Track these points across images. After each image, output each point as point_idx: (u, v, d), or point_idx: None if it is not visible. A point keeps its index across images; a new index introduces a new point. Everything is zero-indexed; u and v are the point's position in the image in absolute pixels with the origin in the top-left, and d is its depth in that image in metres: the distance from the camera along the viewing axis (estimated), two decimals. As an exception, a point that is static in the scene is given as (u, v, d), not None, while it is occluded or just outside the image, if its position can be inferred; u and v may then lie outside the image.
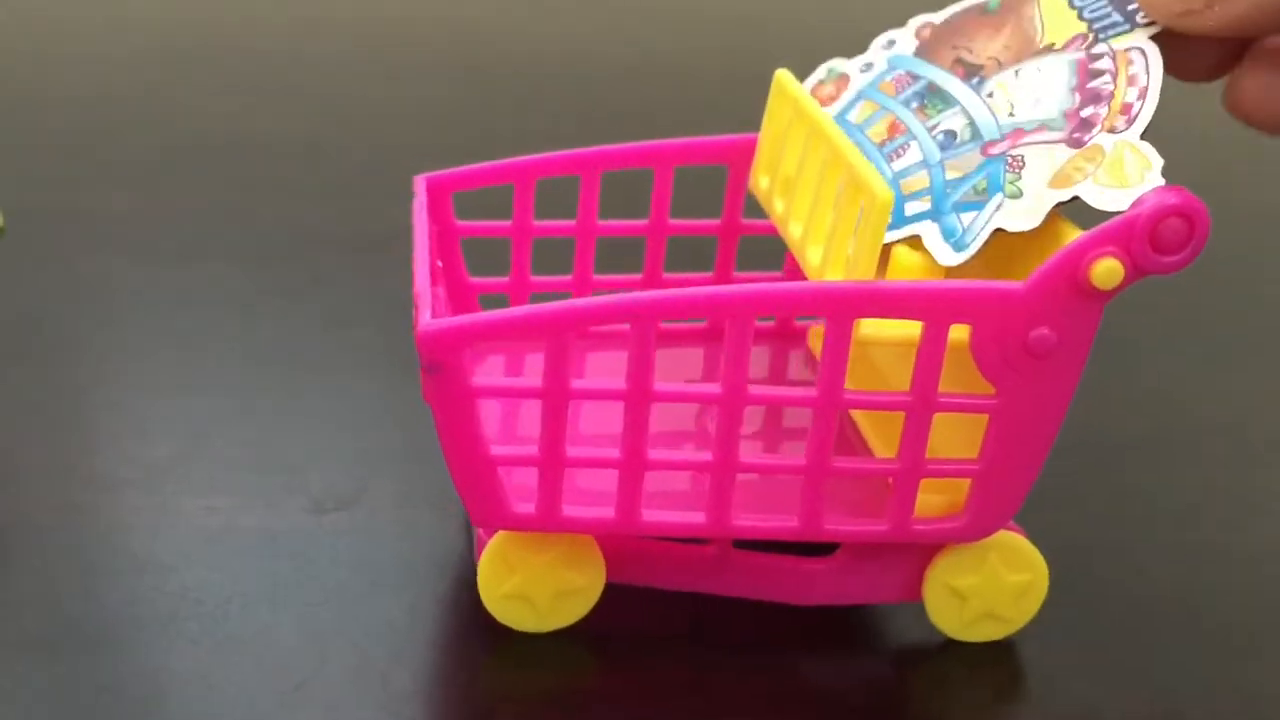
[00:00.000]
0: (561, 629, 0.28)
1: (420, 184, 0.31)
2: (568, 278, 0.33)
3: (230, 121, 0.55)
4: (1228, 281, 0.45)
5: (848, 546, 0.28)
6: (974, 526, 0.27)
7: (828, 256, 0.27)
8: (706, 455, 0.26)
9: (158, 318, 0.40)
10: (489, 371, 0.33)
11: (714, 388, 0.25)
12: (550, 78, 0.62)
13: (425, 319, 0.25)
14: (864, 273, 0.25)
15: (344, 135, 0.54)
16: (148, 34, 0.65)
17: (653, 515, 0.27)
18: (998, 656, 0.29)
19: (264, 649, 0.28)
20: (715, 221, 0.34)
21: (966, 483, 0.27)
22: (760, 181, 0.32)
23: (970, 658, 0.29)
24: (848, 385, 0.32)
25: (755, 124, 0.32)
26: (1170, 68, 0.26)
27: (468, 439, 0.25)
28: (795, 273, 0.34)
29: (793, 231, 0.29)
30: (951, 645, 0.29)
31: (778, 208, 0.30)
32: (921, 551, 0.28)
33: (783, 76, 0.31)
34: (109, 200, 0.47)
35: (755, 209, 0.33)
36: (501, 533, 0.27)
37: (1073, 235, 0.26)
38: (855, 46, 0.32)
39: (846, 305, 0.25)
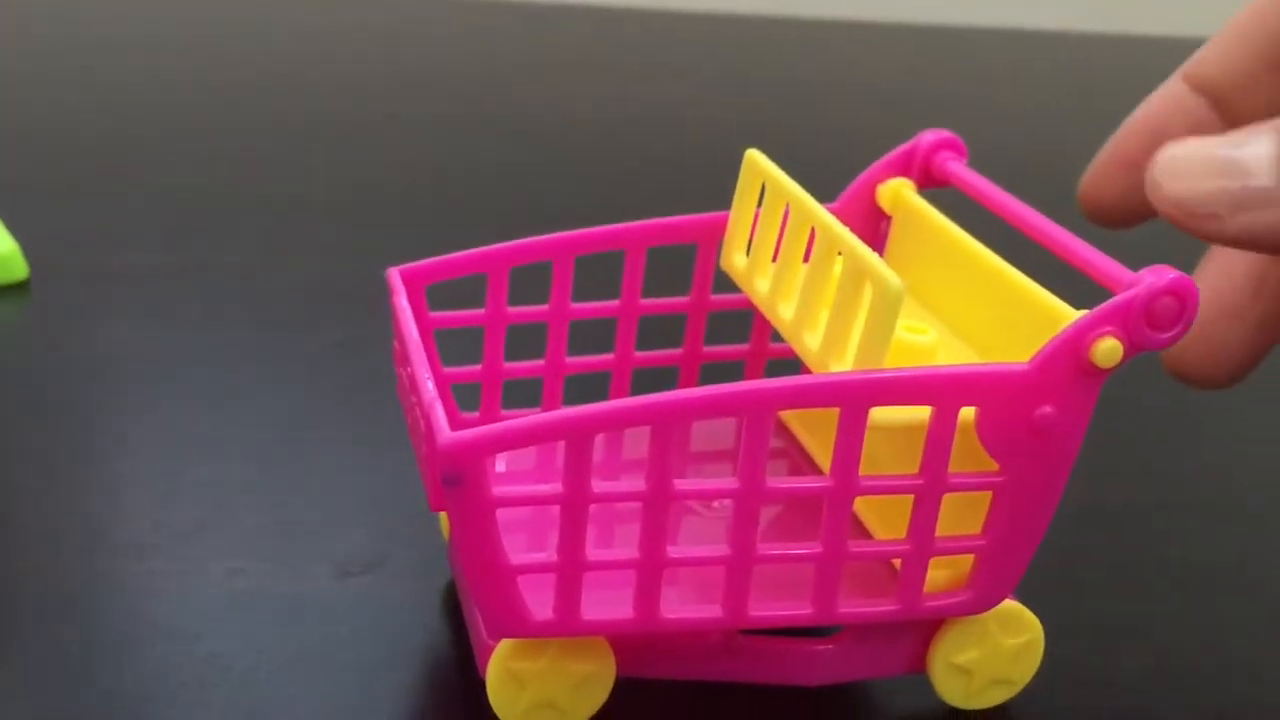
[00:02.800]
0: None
1: (396, 278, 0.30)
2: (540, 363, 0.33)
3: (256, 180, 0.55)
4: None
5: (852, 626, 0.29)
6: (980, 599, 0.28)
7: (830, 343, 0.27)
8: (723, 548, 0.26)
9: (181, 381, 0.40)
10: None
11: (732, 482, 0.25)
12: (624, 137, 0.63)
13: (445, 432, 0.24)
14: (874, 363, 0.25)
15: (373, 196, 0.55)
16: (169, 88, 0.66)
17: (672, 612, 0.26)
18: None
19: (286, 718, 0.28)
20: (684, 299, 0.34)
21: (969, 558, 0.28)
22: (735, 260, 0.32)
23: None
24: (819, 450, 0.32)
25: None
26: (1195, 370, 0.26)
27: (488, 550, 0.25)
28: (761, 346, 0.34)
29: (782, 314, 0.29)
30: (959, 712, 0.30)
31: (760, 288, 0.30)
32: (922, 627, 0.29)
33: (754, 155, 0.31)
34: (134, 259, 0.47)
35: (721, 284, 0.33)
36: (502, 649, 0.27)
37: (1060, 311, 0.27)
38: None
39: (864, 395, 0.25)
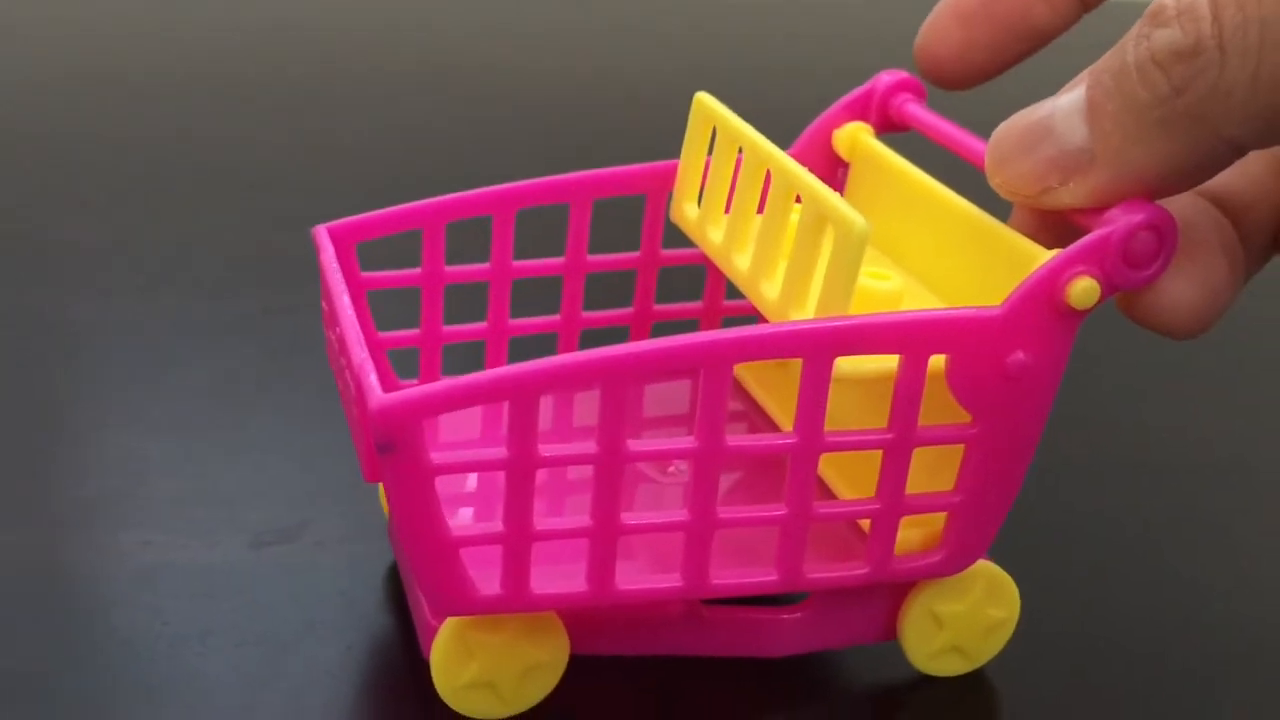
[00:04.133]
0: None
1: (323, 235, 0.28)
2: (482, 325, 0.31)
3: (184, 147, 0.54)
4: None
5: (820, 592, 0.27)
6: (953, 560, 0.26)
7: (789, 292, 0.25)
8: (682, 513, 0.24)
9: (102, 350, 0.39)
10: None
11: (689, 442, 0.24)
12: (560, 103, 0.61)
13: (376, 394, 0.22)
14: (837, 310, 0.24)
15: (304, 162, 0.53)
16: (102, 61, 0.64)
17: (628, 583, 0.25)
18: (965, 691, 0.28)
19: (190, 694, 0.26)
20: (634, 255, 0.32)
21: (941, 516, 0.26)
22: (686, 211, 0.30)
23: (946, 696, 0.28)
24: (779, 411, 0.31)
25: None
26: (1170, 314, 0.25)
27: (428, 521, 0.23)
28: (715, 304, 0.33)
29: (738, 265, 0.27)
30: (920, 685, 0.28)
31: (713, 238, 0.29)
32: (894, 591, 0.27)
33: (704, 99, 0.29)
34: (62, 231, 0.46)
35: (672, 239, 0.31)
36: (458, 619, 0.25)
37: (1032, 253, 0.25)
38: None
39: (826, 344, 0.23)
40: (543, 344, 0.32)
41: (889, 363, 0.24)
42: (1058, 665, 0.29)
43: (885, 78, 0.31)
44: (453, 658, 0.25)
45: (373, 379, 0.23)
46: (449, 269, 0.30)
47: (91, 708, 0.26)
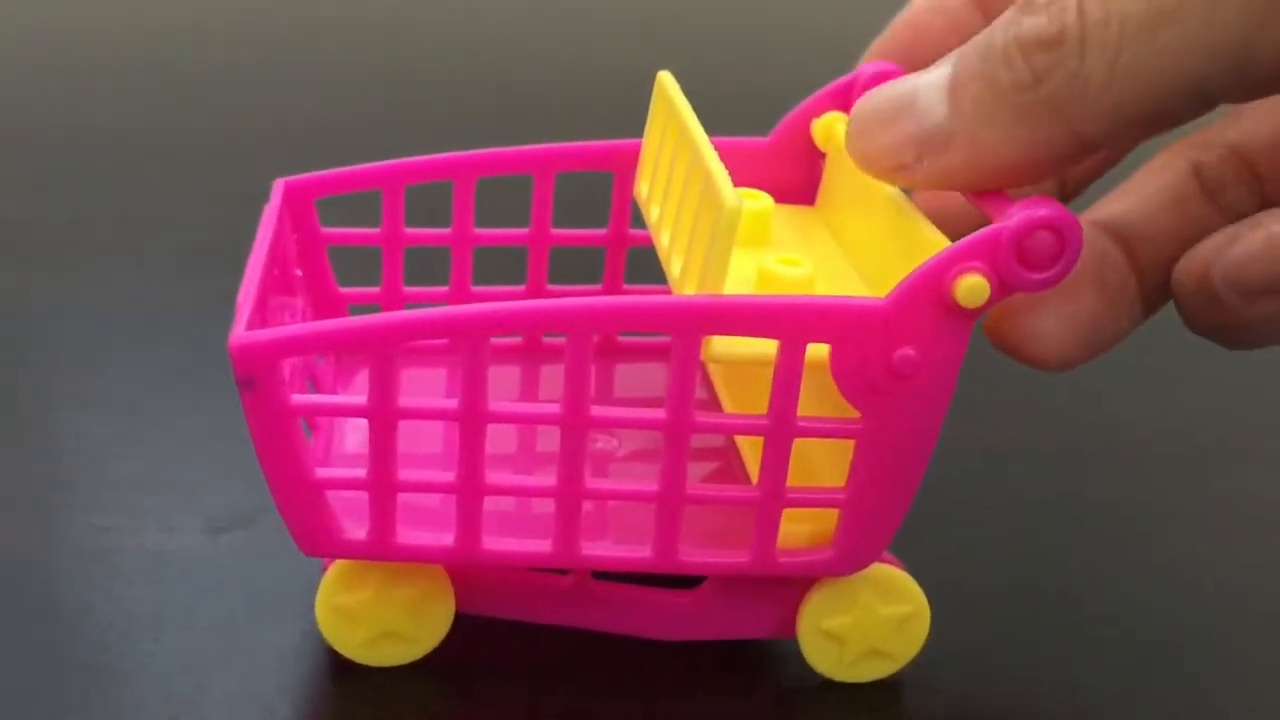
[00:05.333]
0: (428, 663, 0.27)
1: (278, 188, 0.29)
2: (444, 289, 0.32)
3: (143, 127, 0.53)
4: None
5: (714, 579, 0.27)
6: (844, 559, 0.26)
7: (686, 268, 0.25)
8: (548, 479, 0.24)
9: (57, 332, 0.38)
10: (359, 390, 0.31)
11: (553, 407, 0.24)
12: (486, 80, 0.60)
13: (239, 330, 0.23)
14: (713, 287, 0.23)
15: (261, 143, 0.52)
16: (53, 36, 0.63)
17: (494, 543, 0.25)
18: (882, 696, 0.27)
19: (141, 678, 0.26)
20: (602, 231, 0.32)
21: (834, 513, 0.25)
22: (641, 188, 0.30)
23: (852, 697, 0.27)
24: (733, 406, 0.30)
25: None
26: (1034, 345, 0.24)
27: (288, 460, 0.24)
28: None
29: (662, 240, 0.27)
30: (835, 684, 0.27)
31: (653, 214, 0.29)
32: (792, 585, 0.27)
33: (664, 78, 0.29)
34: (13, 206, 0.46)
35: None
36: (325, 586, 0.26)
37: (936, 244, 0.24)
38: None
39: (692, 322, 0.23)
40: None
41: (767, 346, 0.24)
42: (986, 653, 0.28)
43: (869, 68, 0.30)
44: (337, 625, 0.26)
45: (243, 320, 0.23)
46: (409, 231, 0.31)
47: (43, 692, 0.26)
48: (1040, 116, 0.22)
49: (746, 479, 0.28)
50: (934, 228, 0.25)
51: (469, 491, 0.24)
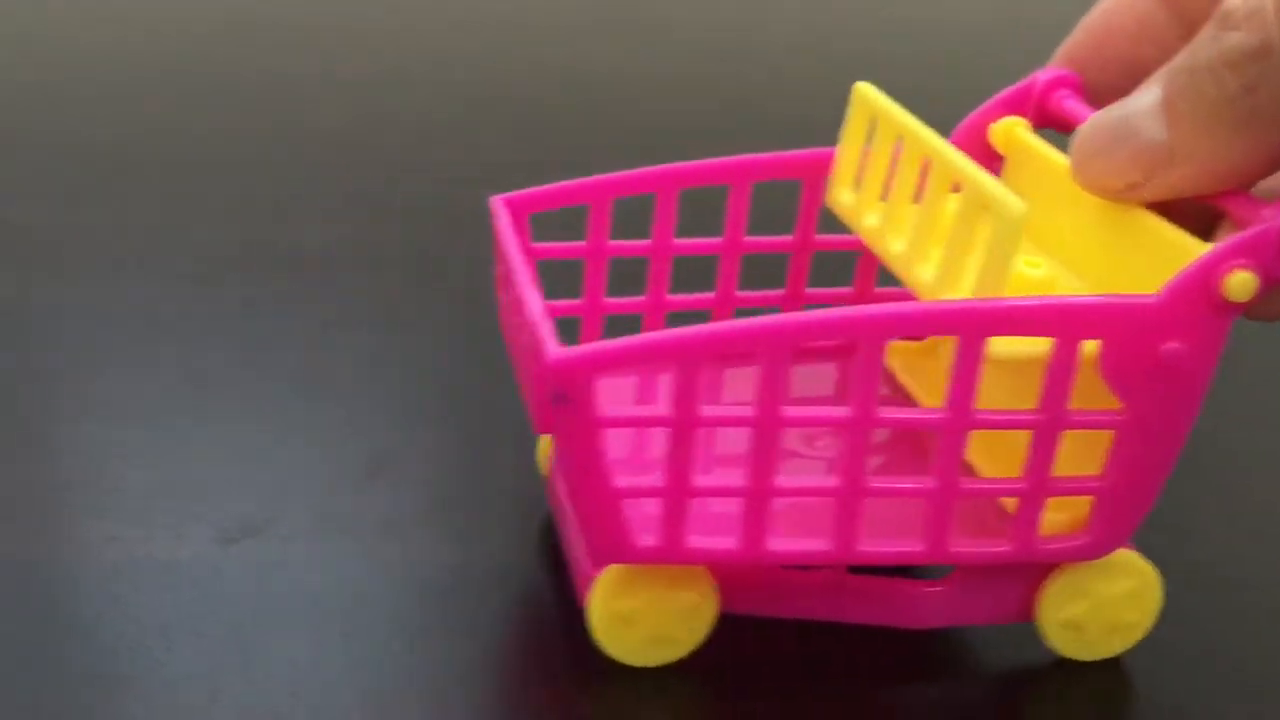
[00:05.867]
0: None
1: (500, 205, 0.30)
2: (641, 299, 0.32)
3: (159, 135, 0.53)
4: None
5: (963, 568, 0.28)
6: (1097, 544, 0.27)
7: (945, 274, 0.26)
8: (833, 480, 0.25)
9: (73, 338, 0.38)
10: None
11: (844, 411, 0.25)
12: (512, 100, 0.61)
13: (553, 347, 0.24)
14: (993, 291, 0.25)
15: (279, 152, 0.52)
16: (71, 43, 0.63)
17: (778, 544, 0.26)
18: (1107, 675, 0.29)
19: (152, 687, 0.26)
20: (789, 238, 0.33)
21: (1087, 500, 0.27)
22: (841, 196, 0.31)
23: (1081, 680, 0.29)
24: (932, 402, 0.32)
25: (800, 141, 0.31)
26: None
27: (595, 472, 0.24)
28: (866, 289, 0.34)
29: (892, 247, 0.28)
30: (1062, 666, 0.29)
31: (869, 223, 0.30)
32: (1034, 571, 0.28)
33: (863, 88, 0.30)
34: (31, 214, 0.45)
35: (826, 224, 0.33)
36: (601, 590, 0.26)
37: (1185, 244, 0.26)
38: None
39: (981, 324, 0.24)
40: (697, 319, 0.33)
41: (1041, 346, 0.25)
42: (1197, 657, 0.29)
43: (1044, 74, 0.31)
44: (614, 628, 0.27)
45: (550, 333, 0.24)
46: (613, 243, 0.31)
47: (54, 700, 0.26)
48: (1256, 125, 0.24)
49: (969, 469, 0.29)
50: (1166, 222, 0.27)
51: (759, 495, 0.25)
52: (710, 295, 0.33)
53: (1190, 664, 0.29)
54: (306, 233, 0.45)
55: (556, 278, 0.32)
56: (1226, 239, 0.25)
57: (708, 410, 0.24)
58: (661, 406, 0.24)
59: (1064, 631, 0.28)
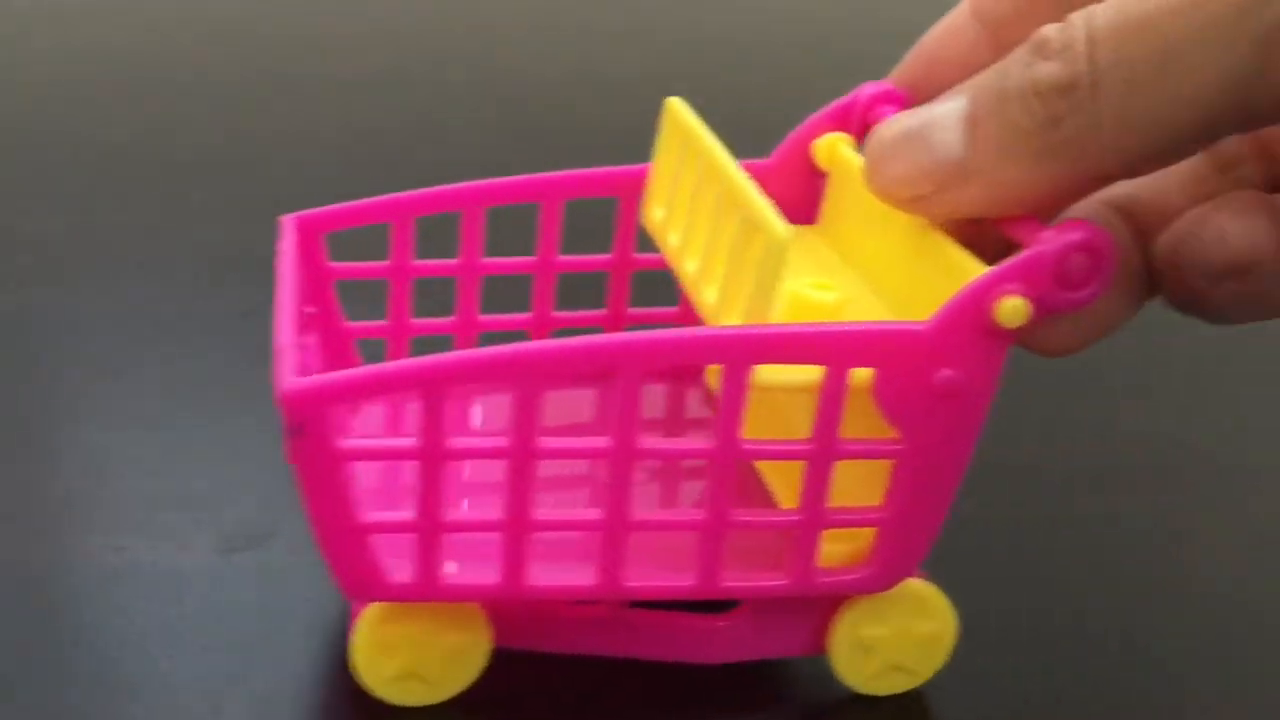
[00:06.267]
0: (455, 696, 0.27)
1: (289, 224, 0.29)
2: (451, 319, 0.31)
3: (159, 138, 0.53)
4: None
5: (749, 602, 0.27)
6: (880, 576, 0.26)
7: (724, 298, 0.25)
8: (595, 513, 0.24)
9: (74, 346, 0.38)
10: (365, 423, 0.31)
11: (603, 441, 0.24)
12: (511, 99, 0.61)
13: (287, 377, 0.23)
14: (761, 317, 0.24)
15: (284, 156, 0.52)
16: (67, 48, 0.63)
17: (540, 579, 0.25)
18: (906, 710, 0.28)
19: (156, 697, 0.26)
20: (606, 256, 0.32)
21: (870, 531, 0.26)
22: (654, 214, 0.30)
23: (878, 713, 0.28)
24: (750, 431, 0.31)
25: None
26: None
27: (336, 505, 0.23)
28: (690, 309, 0.33)
29: (687, 268, 0.27)
30: (858, 701, 0.28)
31: (672, 242, 0.29)
32: (826, 604, 0.27)
33: (674, 104, 0.30)
34: (30, 220, 0.45)
35: (647, 242, 0.32)
36: (370, 614, 0.25)
37: (967, 267, 0.25)
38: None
39: (743, 351, 0.23)
40: (512, 341, 0.32)
41: (812, 373, 0.24)
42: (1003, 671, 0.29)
43: (868, 89, 0.31)
44: (374, 655, 0.26)
45: (289, 364, 0.23)
46: (417, 263, 0.30)
47: (58, 710, 0.26)
48: (1058, 157, 0.22)
49: (759, 500, 0.28)
50: (958, 246, 0.26)
51: (517, 528, 0.24)
52: (526, 315, 0.32)
53: (985, 692, 0.28)
54: None
55: (364, 298, 0.31)
56: (999, 264, 0.24)
57: (457, 442, 0.23)
58: (408, 437, 0.23)
59: (854, 655, 0.27)
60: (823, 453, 0.24)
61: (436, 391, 0.23)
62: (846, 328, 0.24)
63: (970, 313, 0.24)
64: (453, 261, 0.31)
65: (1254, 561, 0.33)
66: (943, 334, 0.24)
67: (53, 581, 0.29)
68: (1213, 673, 0.29)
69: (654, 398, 0.33)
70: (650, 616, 0.27)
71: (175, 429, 0.35)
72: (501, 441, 0.24)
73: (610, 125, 0.58)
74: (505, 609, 0.26)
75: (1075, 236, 0.23)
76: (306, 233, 0.29)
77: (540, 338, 0.32)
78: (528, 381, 0.23)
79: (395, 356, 0.31)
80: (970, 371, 0.24)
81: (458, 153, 0.54)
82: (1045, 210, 0.24)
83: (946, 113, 0.24)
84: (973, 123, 0.23)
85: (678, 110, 0.29)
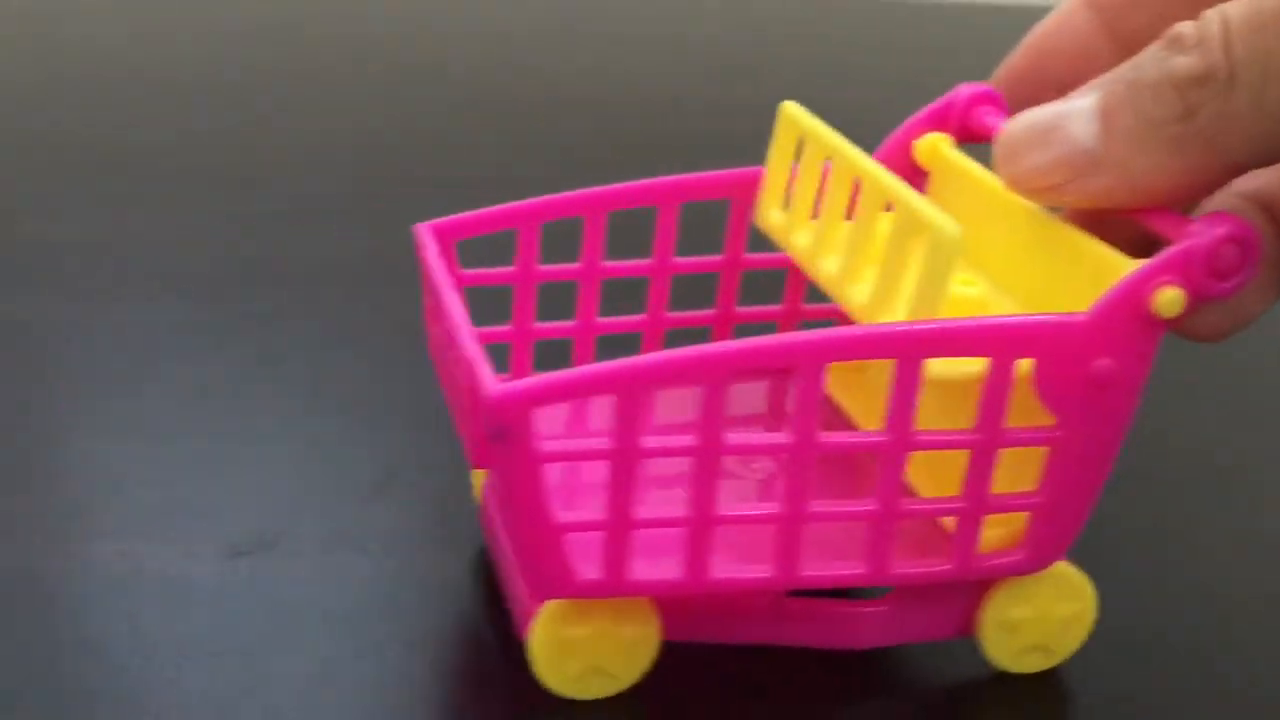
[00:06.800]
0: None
1: (426, 232, 0.29)
2: (571, 323, 0.32)
3: (168, 147, 0.53)
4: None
5: (900, 588, 0.28)
6: (1034, 558, 0.27)
7: (880, 296, 0.26)
8: (774, 506, 0.25)
9: (81, 354, 0.38)
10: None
11: (784, 437, 0.25)
12: (517, 112, 0.61)
13: (490, 382, 0.23)
14: (930, 312, 0.25)
15: (281, 167, 0.52)
16: (78, 60, 0.63)
17: (721, 571, 0.26)
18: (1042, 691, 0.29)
19: (163, 706, 0.26)
20: (718, 257, 0.33)
21: (1022, 515, 0.27)
22: (771, 216, 0.31)
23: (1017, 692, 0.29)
24: (864, 426, 0.32)
25: (746, 157, 0.31)
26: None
27: (535, 507, 0.24)
28: (795, 307, 0.34)
29: (825, 268, 0.28)
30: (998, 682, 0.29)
31: (799, 243, 0.30)
32: (973, 587, 0.28)
33: (789, 107, 0.30)
34: (39, 229, 0.45)
35: (755, 243, 0.33)
36: (546, 616, 0.26)
37: (1113, 261, 0.26)
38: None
39: (918, 346, 0.24)
40: (628, 343, 0.33)
41: (978, 365, 0.25)
42: (1131, 665, 0.30)
43: (965, 89, 0.32)
44: (555, 656, 0.26)
45: (487, 369, 0.24)
46: (541, 268, 0.31)
47: (64, 718, 0.26)
48: (1191, 148, 0.24)
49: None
50: (1091, 237, 0.27)
51: (701, 523, 0.25)
52: (641, 317, 0.33)
53: (1129, 674, 0.29)
54: (316, 247, 0.45)
55: (482, 302, 0.32)
56: (1155, 256, 0.25)
57: (649, 441, 0.24)
58: (602, 438, 0.24)
59: (1003, 637, 0.28)
60: (988, 441, 0.25)
61: (634, 393, 0.23)
62: (1014, 320, 0.25)
63: (1129, 303, 0.25)
64: (575, 265, 0.31)
65: (1256, 563, 0.34)
66: (1101, 324, 0.25)
67: (59, 590, 0.29)
68: (1213, 673, 0.30)
69: (754, 395, 0.34)
70: (806, 605, 0.28)
71: (180, 438, 0.35)
72: (690, 440, 0.24)
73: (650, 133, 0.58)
74: (673, 603, 0.27)
75: (1225, 228, 0.25)
76: (440, 240, 0.30)
77: (654, 338, 0.33)
78: (716, 380, 0.24)
79: (519, 360, 0.32)
80: (1126, 360, 0.25)
81: (468, 165, 0.54)
82: (1178, 202, 0.25)
83: (1081, 105, 0.25)
84: (1106, 114, 0.24)
85: (794, 114, 0.30)
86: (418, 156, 0.55)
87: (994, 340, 0.25)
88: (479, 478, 0.32)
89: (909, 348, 0.24)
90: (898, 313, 0.26)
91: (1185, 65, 0.23)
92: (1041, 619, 0.28)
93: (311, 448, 0.35)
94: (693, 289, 0.34)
